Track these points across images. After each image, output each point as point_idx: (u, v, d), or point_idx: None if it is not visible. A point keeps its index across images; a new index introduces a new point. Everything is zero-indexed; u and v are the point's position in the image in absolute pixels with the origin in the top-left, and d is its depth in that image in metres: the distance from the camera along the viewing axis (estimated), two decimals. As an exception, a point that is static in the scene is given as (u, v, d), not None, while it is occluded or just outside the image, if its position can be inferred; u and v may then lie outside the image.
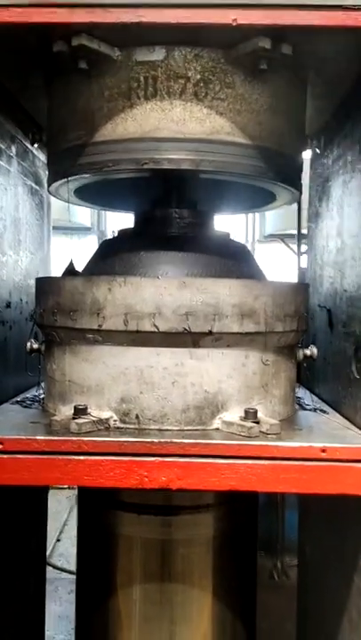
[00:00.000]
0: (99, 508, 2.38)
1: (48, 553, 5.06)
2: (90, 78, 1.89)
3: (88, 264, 2.31)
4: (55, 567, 5.13)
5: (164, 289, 1.79)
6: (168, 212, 2.28)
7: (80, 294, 1.87)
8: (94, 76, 1.88)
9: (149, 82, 1.84)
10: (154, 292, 1.80)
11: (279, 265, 10.74)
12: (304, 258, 3.24)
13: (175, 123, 1.83)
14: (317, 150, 2.42)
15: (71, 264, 2.25)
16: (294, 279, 3.42)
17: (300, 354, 2.18)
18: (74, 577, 3.15)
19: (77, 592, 2.70)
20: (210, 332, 1.82)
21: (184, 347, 1.84)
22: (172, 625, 2.30)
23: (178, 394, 1.86)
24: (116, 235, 2.43)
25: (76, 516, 2.62)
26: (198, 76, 1.83)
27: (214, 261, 2.07)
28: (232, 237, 2.41)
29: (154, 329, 1.80)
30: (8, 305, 2.38)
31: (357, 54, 1.90)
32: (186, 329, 1.80)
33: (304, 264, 3.19)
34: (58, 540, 5.93)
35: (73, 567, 4.78)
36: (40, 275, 2.85)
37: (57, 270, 3.27)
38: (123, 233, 2.39)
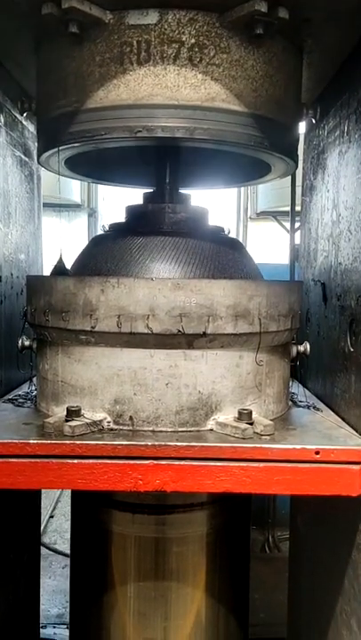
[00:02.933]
0: (93, 506, 2.37)
1: (42, 529, 5.09)
2: (81, 43, 1.83)
3: (79, 260, 2.23)
4: (47, 547, 5.16)
5: (158, 290, 1.76)
6: (160, 207, 2.22)
7: (72, 295, 1.84)
8: (85, 40, 1.82)
9: (142, 46, 1.78)
10: (148, 294, 1.76)
11: (271, 242, 10.70)
12: (297, 235, 3.21)
13: (169, 89, 1.77)
14: (313, 120, 2.37)
15: (60, 261, 2.15)
16: (287, 256, 3.39)
17: (294, 350, 2.16)
18: (67, 552, 3.18)
19: (72, 589, 2.71)
20: (204, 334, 1.79)
21: (178, 348, 1.82)
22: (166, 621, 2.32)
23: (172, 395, 1.84)
24: (106, 229, 2.35)
25: (69, 493, 2.61)
26: (193, 41, 1.78)
27: (208, 259, 2.02)
28: (226, 232, 2.34)
29: (148, 331, 1.77)
30: (-1, 279, 2.34)
31: (355, 20, 1.86)
32: (180, 330, 1.77)
33: (297, 241, 3.17)
34: (51, 517, 5.97)
35: (67, 543, 4.81)
36: (31, 248, 2.81)
37: (47, 246, 3.22)
38: (114, 228, 2.31)
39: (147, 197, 2.38)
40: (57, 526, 5.74)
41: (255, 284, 1.89)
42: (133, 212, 2.32)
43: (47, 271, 3.12)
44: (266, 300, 1.88)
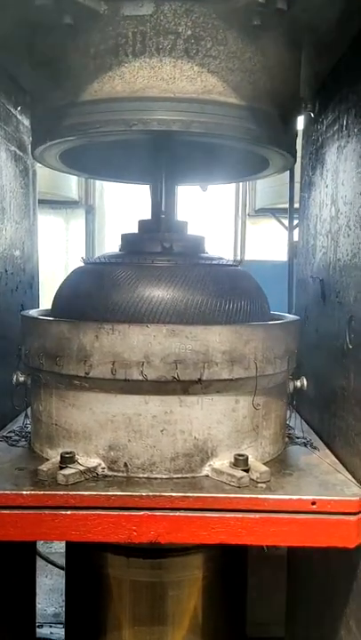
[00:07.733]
0: (87, 549, 2.31)
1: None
2: (75, 34, 1.80)
3: (73, 293, 2.08)
4: (42, 557, 5.11)
5: (152, 337, 1.73)
6: (156, 237, 2.14)
7: (66, 340, 1.81)
8: (80, 31, 1.78)
9: (138, 38, 1.74)
10: (142, 340, 1.73)
11: (270, 239, 10.67)
12: (296, 232, 3.18)
13: (165, 81, 1.74)
14: (312, 114, 2.34)
15: None
16: (285, 253, 3.36)
17: (291, 386, 2.13)
18: (63, 550, 3.14)
19: (66, 633, 2.67)
20: (199, 380, 1.77)
21: (173, 394, 1.80)
22: None
23: (167, 442, 1.82)
24: (100, 260, 2.18)
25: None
26: (189, 32, 1.74)
27: (207, 296, 1.91)
28: (225, 261, 2.17)
29: (142, 377, 1.74)
30: (-8, 275, 2.31)
31: (354, 12, 1.83)
32: (175, 377, 1.74)
33: (296, 237, 3.14)
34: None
35: (63, 543, 4.78)
36: (26, 245, 2.78)
37: (43, 244, 3.19)
38: (109, 259, 2.14)
39: (142, 226, 2.29)
40: (54, 524, 5.72)
41: (251, 329, 1.85)
42: (129, 242, 2.24)
43: (44, 272, 3.11)
44: (262, 344, 1.85)
